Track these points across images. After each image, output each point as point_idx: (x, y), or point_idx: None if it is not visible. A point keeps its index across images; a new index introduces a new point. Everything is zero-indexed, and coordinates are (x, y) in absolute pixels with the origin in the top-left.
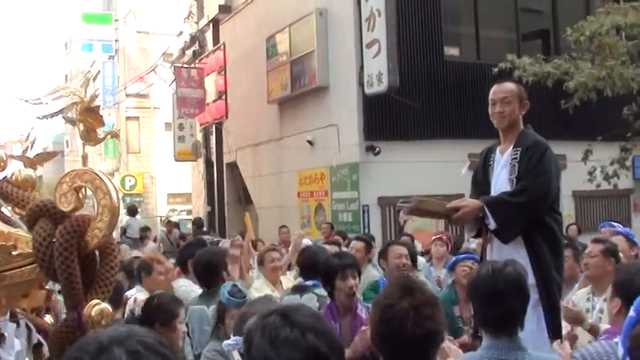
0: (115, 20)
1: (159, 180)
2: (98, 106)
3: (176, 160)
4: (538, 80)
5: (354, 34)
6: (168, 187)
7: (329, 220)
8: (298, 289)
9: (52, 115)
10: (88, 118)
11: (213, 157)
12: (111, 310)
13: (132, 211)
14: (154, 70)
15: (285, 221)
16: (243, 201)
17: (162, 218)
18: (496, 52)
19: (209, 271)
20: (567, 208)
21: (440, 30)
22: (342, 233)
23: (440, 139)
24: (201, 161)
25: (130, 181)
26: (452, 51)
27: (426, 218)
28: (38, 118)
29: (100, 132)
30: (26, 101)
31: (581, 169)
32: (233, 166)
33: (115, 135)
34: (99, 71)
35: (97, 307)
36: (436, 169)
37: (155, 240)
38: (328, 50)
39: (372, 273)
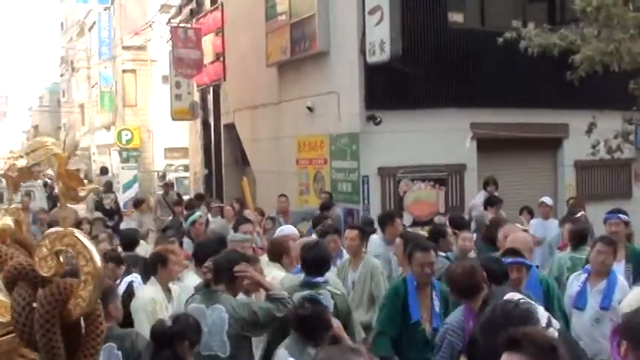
0: None
1: (156, 134)
2: (78, 169)
3: (173, 119)
4: (543, 50)
5: None
6: (165, 141)
7: (328, 188)
8: (308, 285)
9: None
10: (66, 179)
11: (211, 119)
12: None
13: (104, 171)
14: (150, 25)
15: (284, 188)
16: (240, 163)
17: (159, 173)
18: (501, 19)
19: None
20: (568, 178)
21: None
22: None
23: (442, 108)
24: (198, 121)
25: (126, 135)
26: (456, 17)
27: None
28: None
29: (82, 191)
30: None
31: (583, 139)
32: (231, 127)
33: (96, 191)
34: (94, 22)
35: None
36: (438, 138)
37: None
38: (329, 15)
39: (373, 263)
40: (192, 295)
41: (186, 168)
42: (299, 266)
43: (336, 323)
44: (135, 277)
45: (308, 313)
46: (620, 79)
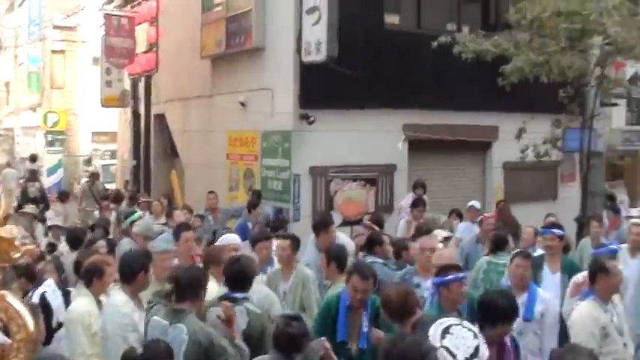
0: None
1: (83, 117)
2: (13, 238)
3: (103, 106)
4: (476, 56)
5: None
6: (92, 124)
7: (258, 186)
8: (226, 300)
9: None
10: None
11: (141, 108)
12: None
13: (33, 159)
14: (82, 10)
15: (213, 183)
16: (170, 155)
17: (85, 158)
18: (436, 22)
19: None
20: (497, 179)
21: None
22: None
23: (375, 109)
24: (128, 109)
25: (52, 117)
26: (392, 19)
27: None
28: None
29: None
30: None
31: (512, 142)
32: (161, 118)
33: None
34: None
35: None
36: (370, 139)
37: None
38: (266, 11)
39: (304, 273)
40: (153, 304)
41: (113, 154)
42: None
43: (326, 345)
44: (47, 287)
45: (296, 331)
46: (551, 85)
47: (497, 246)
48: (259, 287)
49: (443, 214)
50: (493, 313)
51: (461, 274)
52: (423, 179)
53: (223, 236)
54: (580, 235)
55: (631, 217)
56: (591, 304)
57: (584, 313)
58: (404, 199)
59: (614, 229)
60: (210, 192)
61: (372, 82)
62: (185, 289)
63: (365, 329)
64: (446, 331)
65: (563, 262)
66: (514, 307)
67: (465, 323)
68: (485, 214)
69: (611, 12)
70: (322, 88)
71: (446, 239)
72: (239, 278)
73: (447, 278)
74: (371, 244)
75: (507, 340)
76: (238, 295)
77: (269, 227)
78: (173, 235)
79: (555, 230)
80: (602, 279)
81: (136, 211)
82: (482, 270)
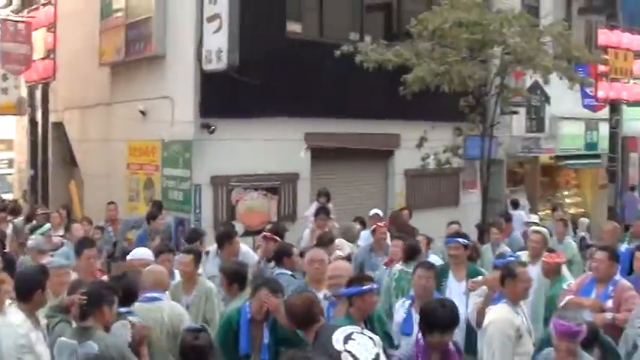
0: None
1: None
2: None
3: None
4: (378, 66)
5: (195, 4)
6: None
7: (158, 196)
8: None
9: None
10: None
11: (39, 116)
12: None
13: None
14: None
15: (113, 193)
16: (68, 164)
17: None
18: (339, 30)
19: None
20: (398, 186)
21: (283, 4)
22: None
23: (277, 118)
24: (25, 118)
25: None
26: (294, 27)
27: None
28: None
29: None
30: None
31: (414, 149)
32: (60, 126)
33: None
34: None
35: None
36: (272, 147)
37: None
38: (167, 18)
39: (207, 286)
40: (57, 322)
41: (10, 163)
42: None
43: None
44: None
45: (203, 343)
46: (452, 94)
47: (409, 255)
48: (172, 303)
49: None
50: (432, 322)
51: (375, 285)
52: (326, 188)
53: (134, 251)
54: (481, 241)
55: (531, 223)
56: (504, 307)
57: (498, 316)
58: (309, 209)
59: (506, 237)
60: (110, 203)
61: (273, 91)
62: (88, 305)
63: (266, 340)
64: (349, 338)
65: (468, 270)
66: (453, 317)
67: (366, 332)
68: (378, 224)
69: (511, 22)
70: (223, 97)
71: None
72: (124, 294)
73: (364, 288)
74: (279, 256)
75: (452, 346)
76: (122, 309)
77: (184, 239)
78: (75, 251)
79: (460, 239)
80: (510, 284)
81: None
82: (394, 278)
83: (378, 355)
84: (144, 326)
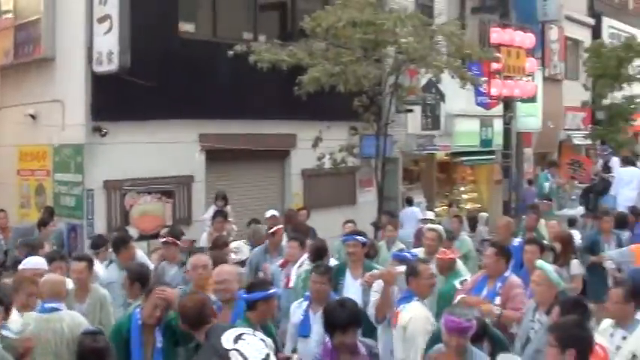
0: None
1: None
2: None
3: None
4: (272, 66)
5: (85, 5)
6: None
7: (50, 202)
8: None
9: None
10: None
11: None
12: None
13: None
14: None
15: (3, 200)
16: None
17: None
18: (233, 30)
19: None
20: (296, 186)
21: (175, 4)
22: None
23: (170, 120)
24: None
25: None
26: (187, 27)
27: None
28: None
29: None
30: None
31: (310, 149)
32: None
33: None
34: None
35: None
36: (165, 150)
37: None
38: (56, 19)
39: (100, 293)
40: None
41: None
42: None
43: None
44: None
45: (102, 345)
46: (347, 94)
47: (317, 255)
48: (72, 313)
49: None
50: (331, 322)
51: (278, 290)
52: (223, 191)
53: (26, 260)
54: (376, 238)
55: (427, 219)
56: (418, 304)
57: (417, 313)
58: (206, 212)
59: None
60: (0, 210)
61: (166, 92)
62: None
63: (159, 345)
64: (239, 338)
65: (365, 267)
66: (352, 317)
67: (258, 333)
68: (278, 226)
69: (403, 22)
70: (115, 99)
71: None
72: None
73: (269, 293)
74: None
75: (363, 349)
76: None
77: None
78: None
79: (358, 237)
80: (414, 282)
81: None
82: (301, 279)
83: (268, 355)
84: (28, 338)
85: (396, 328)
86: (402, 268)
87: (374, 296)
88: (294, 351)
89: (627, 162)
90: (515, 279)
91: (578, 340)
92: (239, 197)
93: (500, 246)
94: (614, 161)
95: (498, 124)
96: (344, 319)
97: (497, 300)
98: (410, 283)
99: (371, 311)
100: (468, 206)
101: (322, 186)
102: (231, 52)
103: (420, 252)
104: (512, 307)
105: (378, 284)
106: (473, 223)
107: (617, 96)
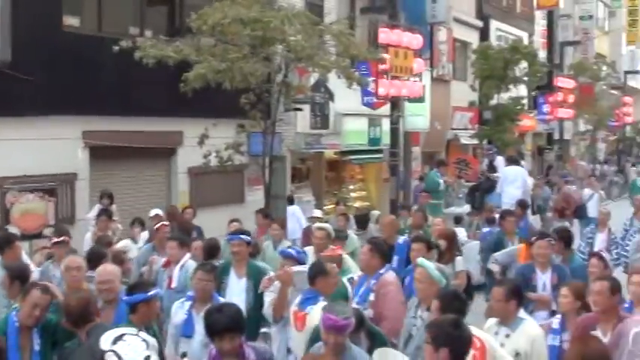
0: None
1: None
2: None
3: None
4: (158, 61)
5: None
6: None
7: None
8: None
9: None
10: None
11: None
12: None
13: None
14: None
15: None
16: None
17: None
18: (119, 25)
19: None
20: (182, 185)
21: None
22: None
23: (54, 116)
24: None
25: None
26: (72, 21)
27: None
28: None
29: None
30: None
31: (197, 147)
32: None
33: None
34: None
35: None
36: (47, 147)
37: None
38: None
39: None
40: None
41: None
42: None
43: None
44: None
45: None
46: (235, 91)
47: (209, 254)
48: None
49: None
50: (209, 327)
51: (161, 290)
52: (109, 189)
53: None
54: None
55: (315, 218)
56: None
57: None
58: (91, 211)
59: (263, 234)
60: None
61: (49, 88)
62: None
63: (37, 347)
64: (119, 338)
65: (249, 267)
66: (230, 322)
67: (142, 334)
68: (163, 222)
69: (291, 20)
70: None
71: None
72: None
73: (149, 294)
74: (90, 261)
75: (250, 353)
76: None
77: None
78: None
79: (243, 236)
80: (322, 281)
81: None
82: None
83: (148, 357)
84: None
85: (304, 330)
86: (301, 268)
87: (269, 296)
88: (184, 355)
89: (512, 161)
90: (388, 276)
91: (451, 339)
92: (125, 195)
93: (374, 242)
94: (499, 160)
95: (387, 124)
96: (221, 325)
97: (372, 297)
98: (317, 283)
99: (267, 312)
100: (357, 204)
101: (209, 184)
102: (116, 48)
103: (309, 250)
104: (383, 304)
105: (274, 284)
106: (364, 221)
107: (503, 97)
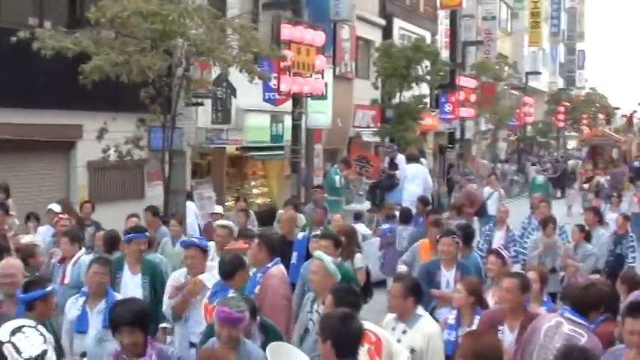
0: None
1: None
2: None
3: None
4: (57, 53)
5: None
6: None
7: None
8: None
9: None
10: None
11: None
12: None
13: None
14: None
15: None
16: None
17: None
18: (18, 15)
19: None
20: (81, 179)
21: None
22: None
23: None
24: None
25: None
26: None
27: None
28: None
29: None
30: None
31: (97, 141)
32: None
33: None
34: None
35: None
36: None
37: None
38: None
39: None
40: None
41: None
42: None
43: None
44: None
45: None
46: (135, 85)
47: (110, 246)
48: None
49: None
50: (110, 321)
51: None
52: (6, 182)
53: None
54: None
55: (215, 214)
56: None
57: None
58: None
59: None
60: None
61: None
62: None
63: None
64: (17, 330)
65: (143, 263)
66: (120, 318)
67: (40, 327)
68: (60, 216)
69: (191, 14)
70: None
71: None
72: None
73: (47, 291)
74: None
75: (151, 353)
76: None
77: None
78: None
79: (142, 233)
80: (240, 274)
81: None
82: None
83: (45, 352)
84: None
85: None
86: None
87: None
88: (84, 355)
89: (412, 159)
90: (274, 269)
91: (337, 332)
92: (24, 190)
93: (262, 236)
94: (401, 158)
95: (289, 120)
96: (121, 319)
97: (257, 289)
98: (233, 278)
99: (167, 312)
100: (259, 201)
101: (109, 179)
102: (13, 39)
103: (211, 246)
104: (265, 296)
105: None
106: (266, 218)
107: (405, 95)
